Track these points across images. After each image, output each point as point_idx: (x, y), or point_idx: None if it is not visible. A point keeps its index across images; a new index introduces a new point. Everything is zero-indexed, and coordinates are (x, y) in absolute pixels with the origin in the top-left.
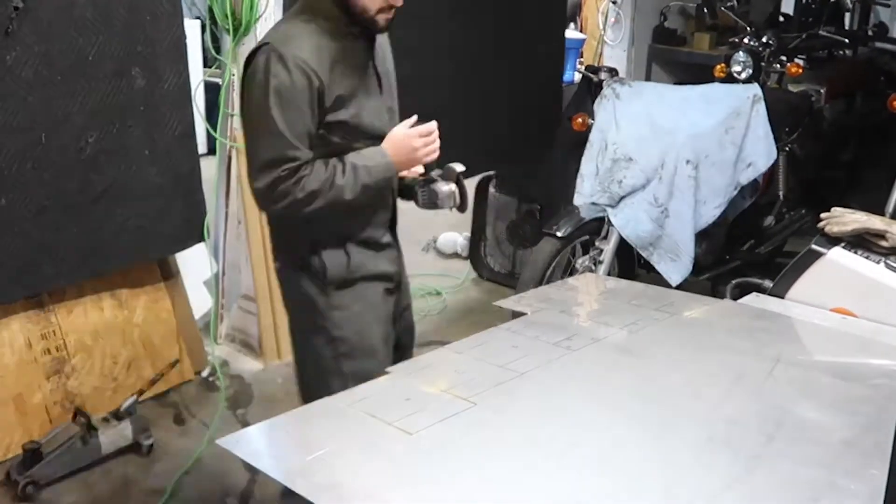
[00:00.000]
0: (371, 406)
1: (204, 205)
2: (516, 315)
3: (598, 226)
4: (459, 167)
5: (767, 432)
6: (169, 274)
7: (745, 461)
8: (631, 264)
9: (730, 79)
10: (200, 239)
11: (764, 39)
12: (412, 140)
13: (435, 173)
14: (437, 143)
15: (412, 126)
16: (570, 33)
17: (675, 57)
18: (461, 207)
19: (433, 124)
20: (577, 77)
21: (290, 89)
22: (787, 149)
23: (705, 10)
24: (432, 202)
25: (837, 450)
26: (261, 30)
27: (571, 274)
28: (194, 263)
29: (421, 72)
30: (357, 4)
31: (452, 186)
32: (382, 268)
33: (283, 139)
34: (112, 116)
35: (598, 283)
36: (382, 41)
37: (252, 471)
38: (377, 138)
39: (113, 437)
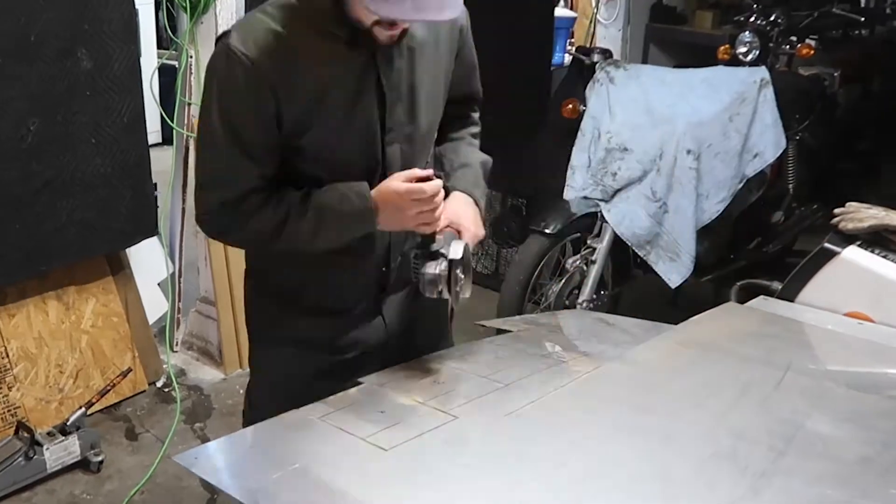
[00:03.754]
0: (342, 419)
1: (154, 197)
2: (500, 333)
3: (591, 222)
4: (458, 247)
5: (776, 447)
6: (120, 275)
7: (752, 479)
8: (626, 264)
9: (735, 61)
10: (151, 233)
11: (772, 18)
12: (402, 200)
13: (437, 244)
14: (437, 213)
15: (408, 180)
16: (560, 11)
17: (674, 37)
18: (453, 297)
19: (433, 186)
20: (567, 59)
21: (235, 93)
22: (797, 138)
23: None
24: (415, 281)
25: (853, 467)
26: (220, 8)
27: (561, 275)
28: (148, 263)
29: None
30: (351, 10)
31: (441, 269)
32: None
33: (222, 156)
34: (56, 102)
35: (591, 316)
36: (425, 47)
37: (211, 490)
38: (367, 173)
39: (59, 453)
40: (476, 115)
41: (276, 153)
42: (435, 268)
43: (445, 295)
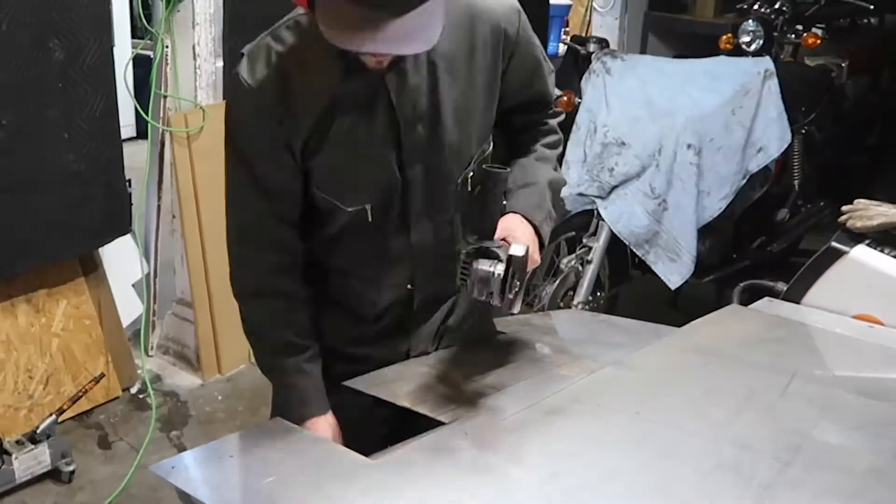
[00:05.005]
0: None
1: (128, 194)
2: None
3: (587, 220)
4: (520, 248)
5: (782, 458)
6: (93, 276)
7: (757, 491)
8: (624, 265)
9: (738, 51)
10: (124, 232)
11: (777, 6)
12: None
13: (493, 243)
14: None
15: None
16: None
17: (674, 26)
18: (505, 304)
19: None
20: (562, 49)
21: (247, 125)
22: (803, 131)
23: None
24: (466, 279)
25: (864, 479)
26: None
27: (555, 276)
28: (122, 264)
29: None
30: None
31: (497, 268)
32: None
33: (240, 207)
34: (26, 95)
35: (588, 316)
36: (454, 60)
37: (188, 502)
38: (386, 194)
39: (28, 462)
40: (553, 122)
41: (296, 190)
42: (489, 266)
43: (496, 299)
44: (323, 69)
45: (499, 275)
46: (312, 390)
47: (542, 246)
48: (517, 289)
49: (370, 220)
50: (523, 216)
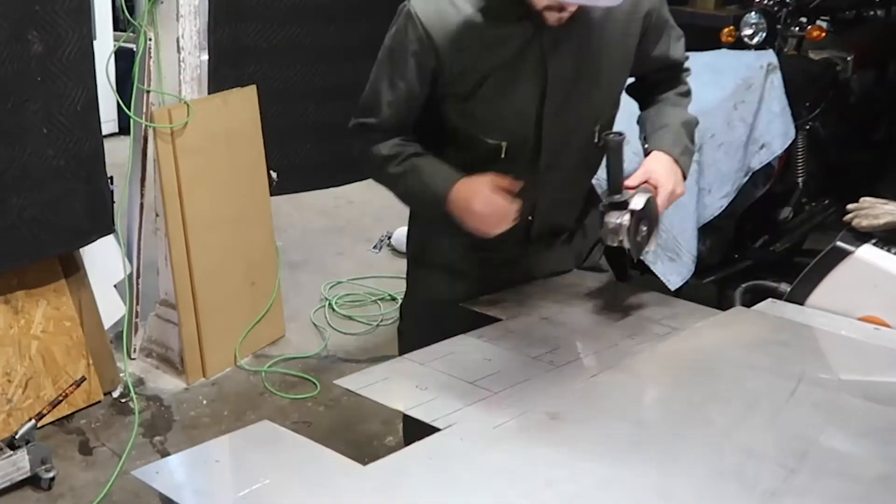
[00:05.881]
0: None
1: (110, 191)
2: (487, 319)
3: None
4: (641, 199)
5: (787, 465)
6: (74, 276)
7: (761, 499)
8: (621, 264)
9: (740, 44)
10: (107, 231)
11: None
12: (472, 199)
13: (624, 195)
14: (500, 223)
15: (494, 185)
16: None
17: (674, 18)
18: (634, 248)
19: (501, 201)
20: None
21: (401, 51)
22: (807, 127)
23: None
24: (601, 230)
25: (872, 486)
26: None
27: None
28: (104, 264)
29: (361, 30)
30: None
31: (623, 219)
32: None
33: (372, 96)
34: (4, 88)
35: (587, 283)
36: (594, 29)
37: None
38: (520, 140)
39: (6, 469)
40: (685, 77)
41: (418, 106)
42: (617, 217)
43: (626, 244)
44: (490, 31)
45: (625, 224)
46: (430, 170)
47: (684, 176)
48: (644, 232)
49: (503, 155)
50: (662, 152)
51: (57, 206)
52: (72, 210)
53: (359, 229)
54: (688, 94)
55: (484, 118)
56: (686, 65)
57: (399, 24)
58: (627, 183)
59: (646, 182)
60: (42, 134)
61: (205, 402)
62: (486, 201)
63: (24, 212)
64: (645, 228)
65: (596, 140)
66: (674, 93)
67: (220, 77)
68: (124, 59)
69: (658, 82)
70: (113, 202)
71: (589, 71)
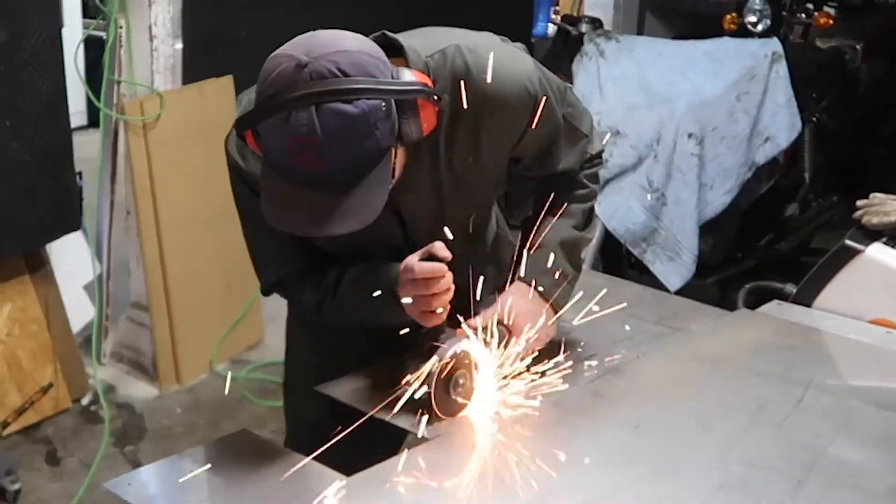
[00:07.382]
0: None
1: (78, 187)
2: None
3: None
4: (456, 346)
5: (795, 476)
6: (40, 275)
7: None
8: (619, 264)
9: (743, 32)
10: (74, 228)
11: None
12: (406, 280)
13: (444, 338)
14: (435, 305)
15: (423, 256)
16: None
17: (674, 4)
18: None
19: (426, 268)
20: (552, 30)
21: (245, 201)
22: (814, 119)
23: None
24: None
25: (883, 498)
26: None
27: None
28: (72, 264)
29: (342, 17)
30: None
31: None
32: None
33: (259, 255)
34: None
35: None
36: (455, 156)
37: None
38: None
39: None
40: (590, 171)
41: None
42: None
43: (432, 401)
44: None
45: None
46: (365, 281)
47: (555, 309)
48: (461, 387)
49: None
50: (525, 282)
51: (20, 202)
52: (36, 206)
53: None
54: (586, 198)
55: (346, 254)
56: (597, 158)
57: (231, 177)
58: (474, 322)
59: (501, 324)
60: (5, 126)
61: (179, 410)
62: (407, 281)
63: None
64: (461, 382)
65: (471, 230)
66: (571, 197)
67: (195, 67)
68: (94, 48)
69: (551, 184)
70: (81, 199)
71: (452, 197)
